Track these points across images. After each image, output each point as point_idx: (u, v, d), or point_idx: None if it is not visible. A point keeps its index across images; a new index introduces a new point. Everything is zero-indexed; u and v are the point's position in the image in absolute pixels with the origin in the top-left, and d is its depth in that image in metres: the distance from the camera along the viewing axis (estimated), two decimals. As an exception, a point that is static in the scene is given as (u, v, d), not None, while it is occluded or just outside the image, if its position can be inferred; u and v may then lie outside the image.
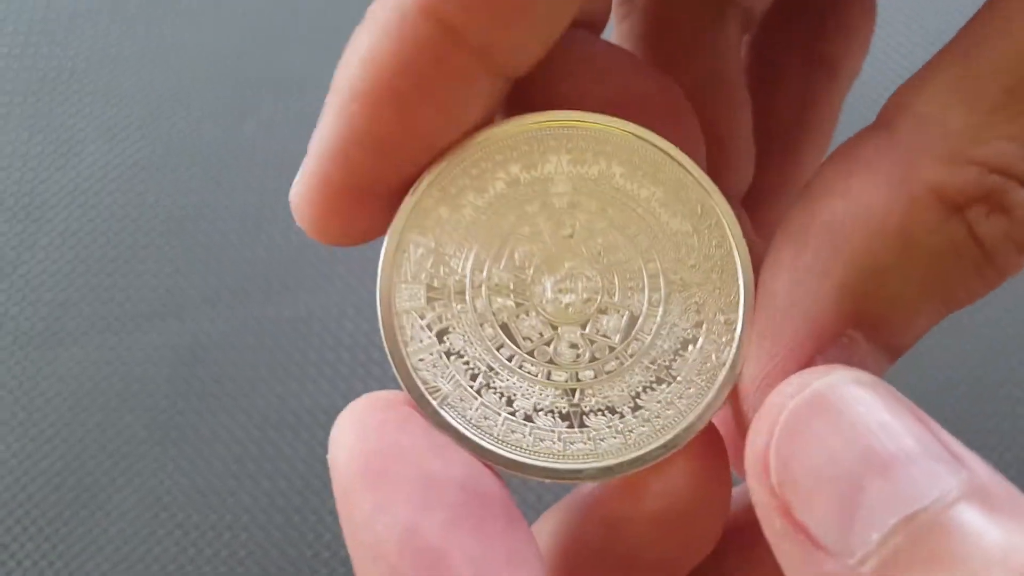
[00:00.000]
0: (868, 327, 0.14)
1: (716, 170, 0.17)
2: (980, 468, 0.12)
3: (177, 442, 0.38)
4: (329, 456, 0.14)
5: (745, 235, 0.16)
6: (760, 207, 0.22)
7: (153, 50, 0.46)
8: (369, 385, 0.39)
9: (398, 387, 0.15)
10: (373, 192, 0.15)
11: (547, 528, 0.17)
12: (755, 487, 0.13)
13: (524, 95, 0.16)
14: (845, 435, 0.12)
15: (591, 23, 0.18)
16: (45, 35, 0.47)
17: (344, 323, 0.40)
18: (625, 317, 0.15)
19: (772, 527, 0.13)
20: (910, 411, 0.13)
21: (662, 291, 0.15)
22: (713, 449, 0.16)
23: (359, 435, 0.14)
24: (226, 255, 0.41)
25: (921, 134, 0.14)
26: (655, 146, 0.16)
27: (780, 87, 0.23)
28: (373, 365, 0.39)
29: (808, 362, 0.14)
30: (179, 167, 0.43)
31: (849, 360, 0.14)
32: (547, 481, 0.15)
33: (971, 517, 0.11)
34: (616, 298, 0.16)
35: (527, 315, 0.15)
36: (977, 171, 0.13)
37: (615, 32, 0.21)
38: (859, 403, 0.13)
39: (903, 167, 0.14)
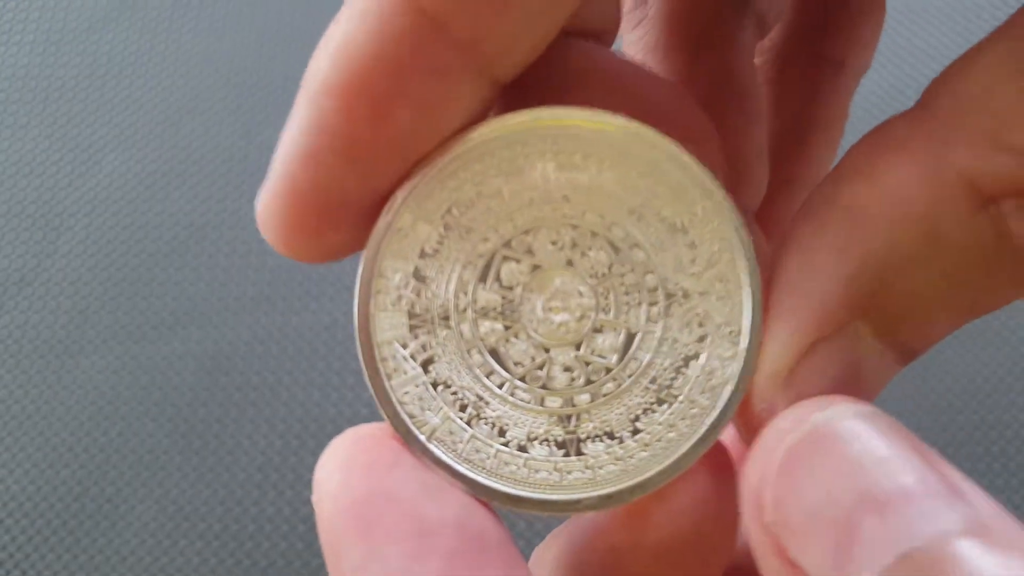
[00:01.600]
0: (879, 322, 0.13)
1: (730, 183, 0.16)
2: (981, 502, 0.12)
3: (199, 451, 0.38)
4: (313, 499, 0.13)
5: (754, 242, 0.14)
6: (769, 206, 0.21)
7: (172, 58, 0.46)
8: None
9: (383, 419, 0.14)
10: (345, 203, 0.13)
11: (547, 558, 0.16)
12: (750, 525, 0.13)
13: (520, 104, 0.14)
14: (843, 474, 0.12)
15: (598, 34, 0.17)
16: (64, 44, 0.47)
17: (367, 331, 0.40)
18: (622, 335, 0.14)
19: (767, 566, 0.12)
20: (910, 445, 0.12)
21: (661, 304, 0.14)
22: (720, 473, 0.15)
23: (345, 478, 0.13)
24: (248, 263, 0.41)
25: (959, 114, 0.13)
26: (651, 144, 0.14)
27: (786, 84, 0.22)
28: (397, 373, 0.39)
29: (807, 348, 0.13)
30: (200, 175, 0.43)
31: (850, 353, 0.13)
32: (544, 515, 0.14)
33: (970, 553, 0.11)
34: (612, 315, 0.14)
35: (517, 338, 0.14)
36: (1015, 159, 0.12)
37: (624, 41, 0.20)
38: (857, 439, 0.12)
39: (935, 149, 0.13)
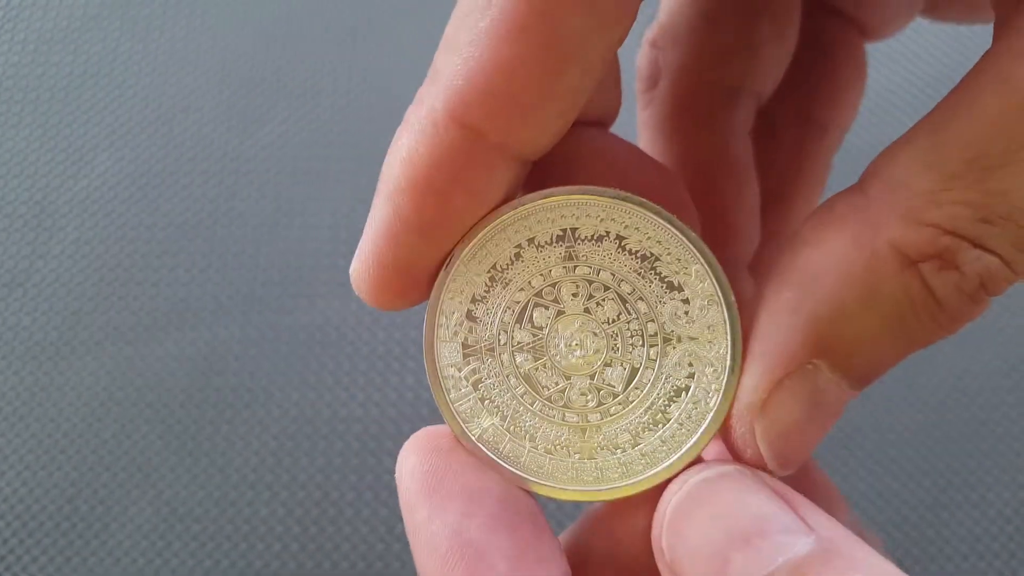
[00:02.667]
0: (833, 359, 0.16)
1: (724, 239, 0.21)
2: (826, 530, 0.15)
3: (193, 452, 0.37)
4: (396, 475, 0.18)
5: (738, 295, 0.18)
6: (759, 256, 0.25)
7: (164, 57, 0.46)
8: (386, 394, 0.38)
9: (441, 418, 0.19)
10: (418, 266, 0.18)
11: (564, 539, 0.20)
12: (658, 562, 0.17)
13: (546, 177, 0.19)
14: (712, 520, 0.16)
15: (601, 121, 0.21)
16: (55, 43, 0.46)
17: (361, 331, 0.40)
18: (627, 369, 0.18)
19: None
20: (770, 490, 0.16)
21: (659, 346, 0.18)
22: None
23: (418, 459, 0.17)
24: (241, 263, 0.41)
25: (887, 195, 0.16)
26: (653, 213, 0.18)
27: (776, 144, 0.26)
28: (391, 374, 0.39)
29: (777, 384, 0.17)
30: (192, 174, 0.43)
31: (812, 385, 0.17)
32: (564, 499, 0.18)
33: (817, 573, 0.14)
34: (619, 352, 0.18)
35: (545, 368, 0.18)
36: (932, 232, 0.15)
37: (639, 118, 0.24)
38: (726, 491, 0.16)
39: (869, 224, 0.16)
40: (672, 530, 0.16)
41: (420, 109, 0.17)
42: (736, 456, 0.18)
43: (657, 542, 0.17)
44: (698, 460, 0.18)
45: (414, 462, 0.17)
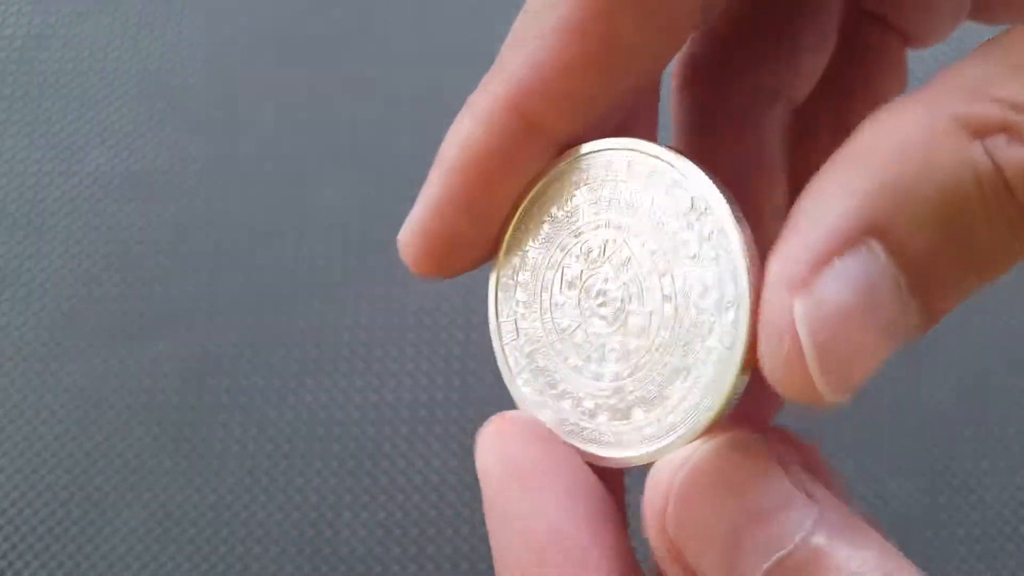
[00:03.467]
0: (888, 239, 0.14)
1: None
2: (827, 501, 0.15)
3: (187, 455, 0.37)
4: (480, 462, 0.18)
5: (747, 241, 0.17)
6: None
7: (157, 54, 0.45)
8: (384, 396, 0.38)
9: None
10: (460, 241, 0.19)
11: None
12: (654, 540, 0.16)
13: None
14: (721, 499, 0.15)
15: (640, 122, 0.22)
16: (44, 39, 0.46)
17: (358, 332, 0.39)
18: (650, 318, 0.18)
19: (670, 572, 0.16)
20: (777, 464, 0.16)
21: (680, 302, 0.17)
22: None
23: (507, 446, 0.18)
24: (235, 264, 0.41)
25: (949, 79, 0.15)
26: (655, 157, 0.18)
27: (811, 148, 0.25)
28: (388, 376, 0.39)
29: (823, 262, 0.14)
30: (184, 174, 0.43)
31: (868, 271, 0.14)
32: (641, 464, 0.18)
33: (827, 546, 0.14)
34: (646, 308, 0.18)
35: (580, 330, 0.19)
36: (1000, 106, 0.14)
37: (672, 116, 0.24)
38: (735, 468, 0.16)
39: (930, 103, 0.15)
40: (679, 506, 0.16)
41: (482, 96, 0.18)
42: (766, 362, 0.15)
43: (658, 516, 0.16)
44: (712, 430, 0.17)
45: (510, 449, 0.18)
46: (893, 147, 0.14)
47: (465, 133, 0.18)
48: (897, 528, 0.36)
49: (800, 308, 0.14)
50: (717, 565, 0.15)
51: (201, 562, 0.35)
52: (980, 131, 0.14)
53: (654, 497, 0.16)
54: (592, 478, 0.18)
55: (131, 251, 0.41)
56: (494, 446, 0.18)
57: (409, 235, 0.19)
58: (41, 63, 0.45)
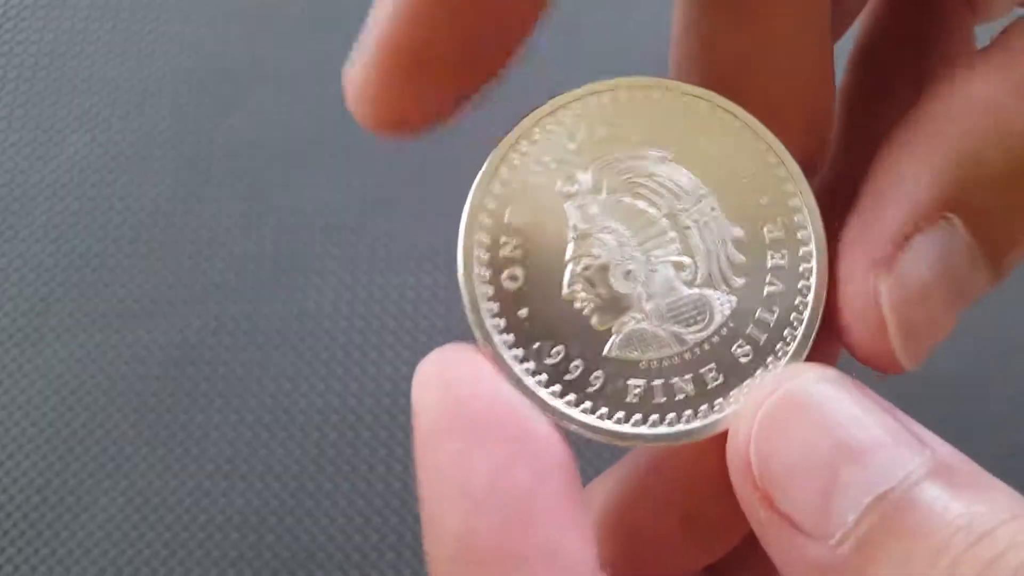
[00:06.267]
0: (967, 212, 0.14)
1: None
2: (942, 448, 0.13)
3: (166, 443, 0.37)
4: (414, 397, 0.15)
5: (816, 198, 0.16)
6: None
7: (137, 38, 0.45)
8: (364, 384, 0.38)
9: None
10: (440, 54, 0.14)
11: (601, 489, 0.18)
12: (738, 483, 0.14)
13: None
14: (818, 430, 0.14)
15: None
16: (22, 20, 0.45)
17: (339, 320, 0.39)
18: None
19: (757, 518, 0.14)
20: (876, 402, 0.14)
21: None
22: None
23: (451, 381, 0.14)
24: (215, 250, 0.40)
25: (1015, 41, 0.14)
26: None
27: (884, 103, 0.23)
28: (368, 364, 0.38)
29: (904, 240, 0.14)
30: (165, 159, 0.42)
31: (946, 246, 0.14)
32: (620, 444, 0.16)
33: (935, 493, 0.13)
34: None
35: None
36: None
37: None
38: (829, 399, 0.14)
39: (999, 64, 0.14)
40: (765, 440, 0.14)
41: None
42: (838, 317, 0.15)
43: (741, 454, 0.14)
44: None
45: (448, 383, 0.14)
46: (965, 114, 0.14)
47: None
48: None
49: (884, 288, 0.14)
50: (809, 506, 0.13)
51: (178, 549, 0.35)
52: None
53: (735, 433, 0.15)
54: (549, 427, 0.15)
55: (111, 236, 0.41)
56: (432, 377, 0.15)
57: (365, 58, 0.14)
58: (18, 45, 0.45)
